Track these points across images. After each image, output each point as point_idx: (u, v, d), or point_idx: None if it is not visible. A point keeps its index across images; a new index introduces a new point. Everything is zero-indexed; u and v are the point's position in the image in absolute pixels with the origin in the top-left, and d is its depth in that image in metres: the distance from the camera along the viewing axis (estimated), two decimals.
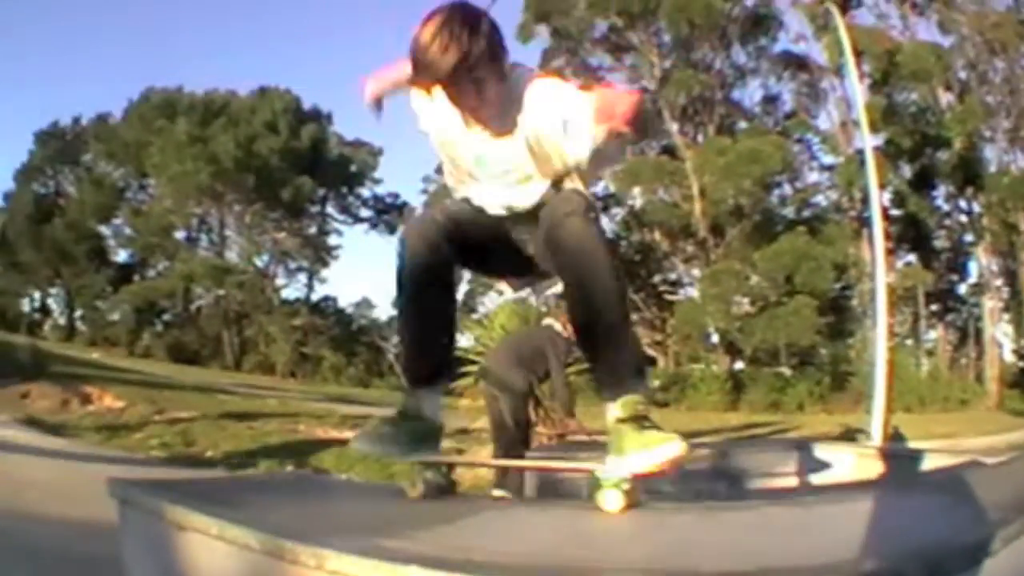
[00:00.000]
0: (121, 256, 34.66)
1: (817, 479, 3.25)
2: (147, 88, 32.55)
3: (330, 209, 32.05)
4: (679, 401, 23.60)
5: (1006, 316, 28.33)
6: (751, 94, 28.01)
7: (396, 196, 32.75)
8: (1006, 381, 25.24)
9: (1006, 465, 2.65)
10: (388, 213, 31.22)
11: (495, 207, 2.15)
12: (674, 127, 25.51)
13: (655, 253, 25.60)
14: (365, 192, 31.81)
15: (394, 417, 2.14)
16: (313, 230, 31.66)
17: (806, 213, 25.66)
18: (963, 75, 26.60)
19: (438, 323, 2.16)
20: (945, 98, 26.20)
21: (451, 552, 1.40)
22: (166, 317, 32.33)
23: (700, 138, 25.61)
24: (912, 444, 8.49)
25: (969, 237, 26.11)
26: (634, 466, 1.82)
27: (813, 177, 26.82)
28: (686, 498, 2.22)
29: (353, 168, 30.63)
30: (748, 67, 26.01)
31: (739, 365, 25.15)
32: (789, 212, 25.56)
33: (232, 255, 32.35)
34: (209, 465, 6.66)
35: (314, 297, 33.54)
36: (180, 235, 32.84)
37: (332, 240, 32.84)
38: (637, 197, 25.67)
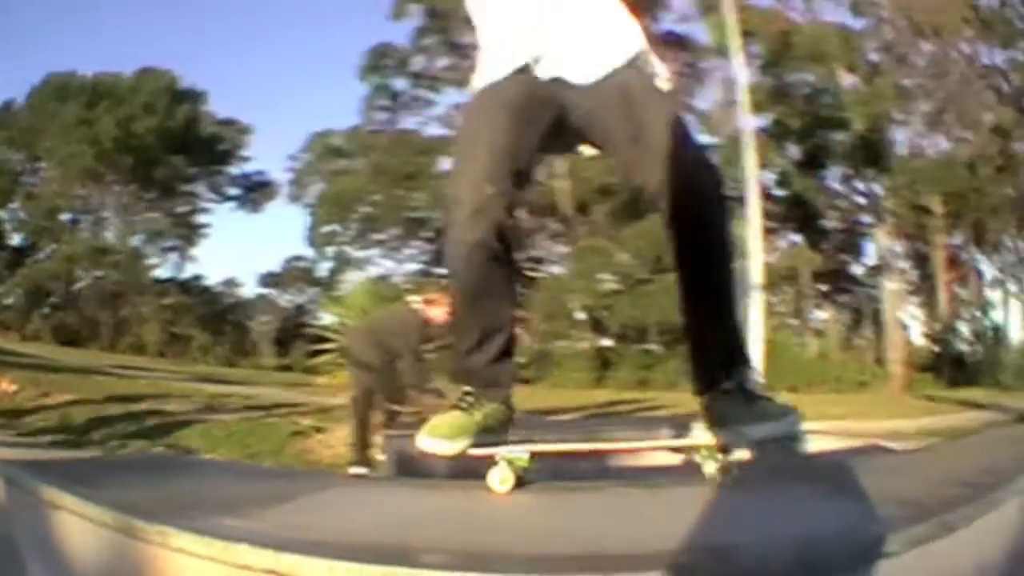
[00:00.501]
0: (15, 240, 34.32)
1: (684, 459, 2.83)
2: (48, 73, 32.48)
3: (200, 188, 31.86)
4: (543, 378, 23.44)
5: (914, 299, 28.46)
6: None
7: (262, 174, 32.71)
8: (916, 364, 25.47)
9: (921, 452, 2.48)
10: (255, 191, 31.11)
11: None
12: None
13: (517, 231, 25.12)
14: (234, 170, 31.73)
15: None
16: (184, 209, 31.43)
17: None
18: (875, 57, 26.96)
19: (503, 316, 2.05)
20: (847, 80, 26.01)
21: (286, 530, 1.45)
22: (53, 299, 31.95)
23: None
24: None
25: (867, 218, 25.71)
26: (755, 434, 1.88)
27: None
28: (543, 477, 2.13)
29: (223, 147, 30.53)
30: None
31: (607, 343, 24.98)
32: None
33: (110, 236, 31.92)
34: (88, 446, 7.04)
35: (184, 276, 33.26)
36: (66, 217, 32.39)
37: (201, 219, 32.72)
38: None
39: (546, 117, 2.00)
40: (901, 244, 25.84)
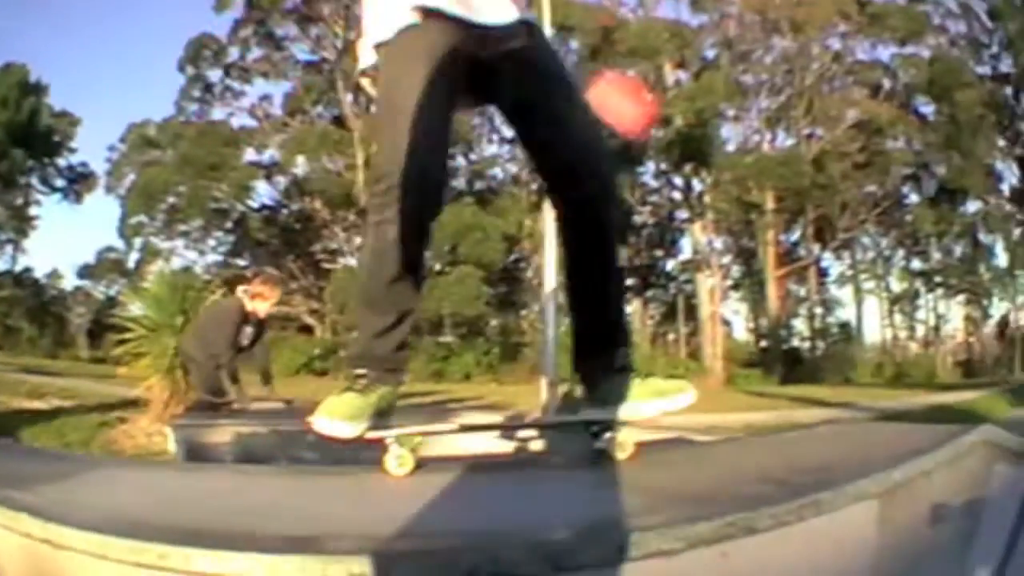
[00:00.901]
0: None
1: (474, 449, 2.94)
2: None
3: (34, 180, 32.32)
4: (337, 369, 22.64)
5: (735, 294, 27.50)
6: None
7: (85, 165, 32.95)
8: (738, 360, 25.43)
9: (727, 445, 2.46)
10: (77, 183, 31.37)
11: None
12: (348, 97, 24.99)
13: (314, 222, 24.71)
14: (62, 162, 32.12)
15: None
16: (20, 201, 31.92)
17: (480, 185, 24.55)
18: (712, 53, 26.85)
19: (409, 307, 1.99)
20: (675, 76, 25.70)
21: (63, 505, 1.52)
22: None
23: (374, 108, 24.84)
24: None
25: (683, 214, 24.75)
26: (649, 411, 1.89)
27: (493, 150, 25.65)
28: (327, 463, 2.28)
29: (56, 139, 31.04)
30: None
31: None
32: (460, 184, 24.56)
33: None
34: None
35: (17, 268, 33.32)
36: None
37: (33, 211, 33.10)
38: (301, 165, 24.67)
39: (462, 68, 1.90)
40: (723, 240, 24.27)
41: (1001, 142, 31.19)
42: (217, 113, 26.54)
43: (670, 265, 28.04)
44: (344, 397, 1.87)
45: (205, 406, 5.98)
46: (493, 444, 2.64)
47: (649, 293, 27.08)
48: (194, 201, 24.88)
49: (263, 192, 25.99)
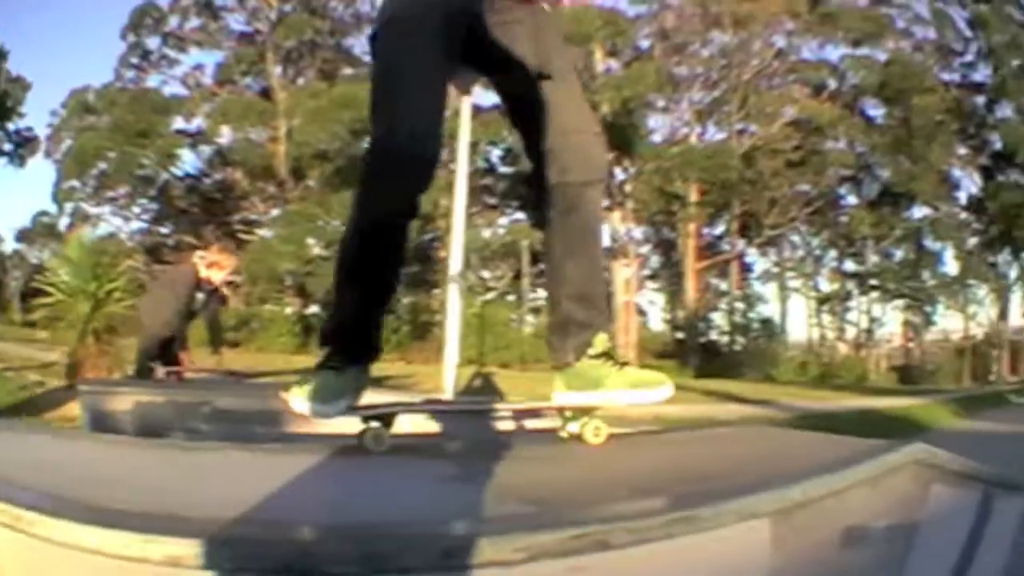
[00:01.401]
0: None
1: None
2: None
3: None
4: (249, 341, 23.23)
5: (652, 285, 27.12)
6: (363, 42, 26.85)
7: (30, 129, 33.27)
8: (652, 350, 25.66)
9: (610, 440, 2.23)
10: (23, 147, 31.78)
11: None
12: (277, 69, 25.13)
13: (234, 192, 24.81)
14: (11, 126, 32.56)
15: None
16: None
17: None
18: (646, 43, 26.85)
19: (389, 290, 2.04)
20: (605, 64, 25.59)
21: None
22: None
23: (301, 81, 25.12)
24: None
25: (603, 202, 24.32)
26: (624, 401, 1.88)
27: None
28: (218, 437, 2.33)
29: (9, 104, 31.57)
30: (368, 16, 25.35)
31: (312, 309, 24.80)
32: None
33: None
34: None
35: None
36: None
37: None
38: (225, 136, 24.85)
39: (461, 36, 1.89)
40: (642, 229, 23.88)
41: (962, 150, 30.34)
42: (152, 81, 27.02)
43: None
44: (322, 376, 1.85)
45: (148, 373, 5.97)
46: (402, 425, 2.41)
47: None
48: (121, 167, 25.25)
49: (188, 161, 26.15)
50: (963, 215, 30.12)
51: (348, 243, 1.91)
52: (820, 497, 1.29)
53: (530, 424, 2.42)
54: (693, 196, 24.65)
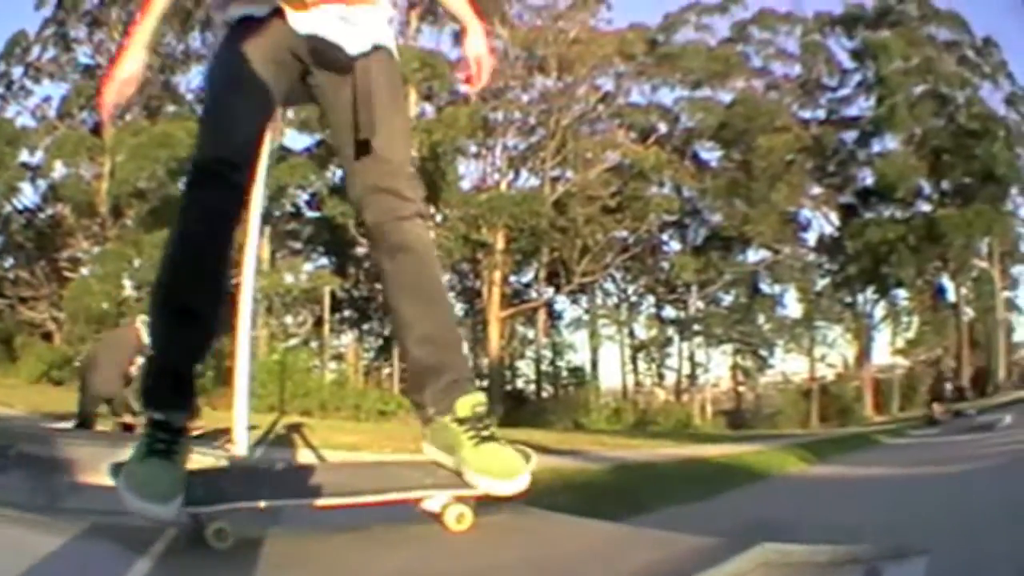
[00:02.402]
0: None
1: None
2: None
3: None
4: (71, 380, 23.09)
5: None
6: (190, 80, 27.70)
7: None
8: None
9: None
10: None
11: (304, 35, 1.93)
12: None
13: (62, 228, 25.47)
14: None
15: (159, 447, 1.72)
16: None
17: None
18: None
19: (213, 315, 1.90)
20: (420, 107, 25.67)
21: None
22: None
23: (129, 118, 25.54)
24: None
25: None
26: (479, 486, 1.79)
27: None
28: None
29: None
30: (197, 53, 25.72)
31: None
32: None
33: None
34: None
35: None
36: None
37: None
38: (58, 170, 25.61)
39: (294, 73, 1.96)
40: (447, 277, 23.82)
41: (816, 190, 29.69)
42: (10, 112, 27.70)
43: None
44: (148, 464, 1.66)
45: (89, 425, 6.26)
46: None
47: (365, 327, 26.78)
48: None
49: (28, 195, 27.01)
50: (810, 256, 29.44)
51: (168, 259, 1.84)
52: None
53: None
54: (500, 243, 25.08)
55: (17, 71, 27.99)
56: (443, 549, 1.66)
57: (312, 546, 1.74)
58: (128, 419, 5.93)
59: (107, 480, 2.18)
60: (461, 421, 1.82)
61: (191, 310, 1.77)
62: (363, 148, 1.91)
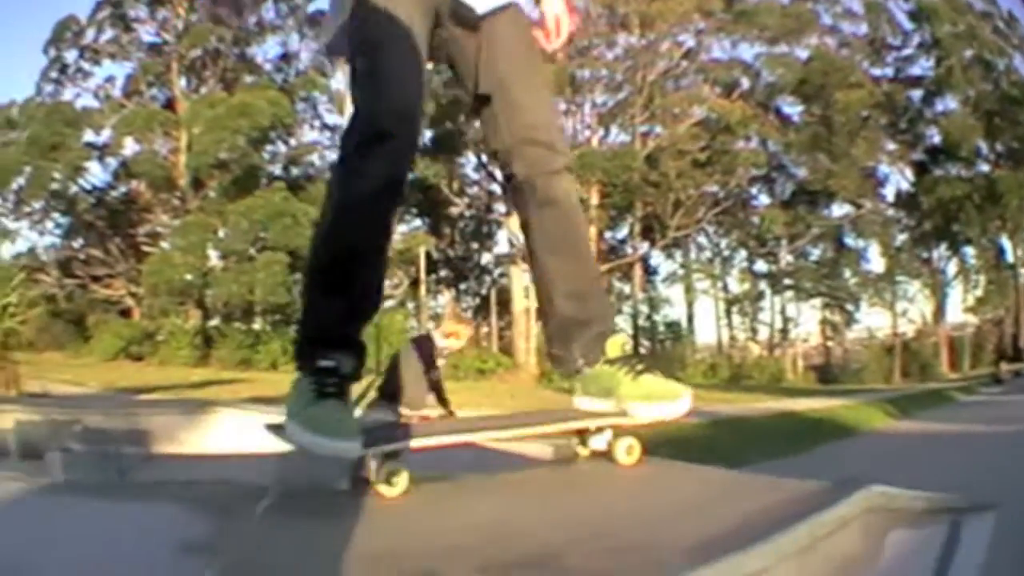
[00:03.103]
0: None
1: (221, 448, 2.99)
2: None
3: None
4: (152, 355, 22.89)
5: None
6: (267, 50, 26.92)
7: None
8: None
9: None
10: None
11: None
12: (181, 80, 24.83)
13: (137, 204, 24.54)
14: None
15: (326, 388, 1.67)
16: None
17: (297, 171, 24.02)
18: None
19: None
20: None
21: None
22: None
23: (204, 91, 24.79)
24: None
25: (502, 207, 23.99)
26: (645, 415, 1.77)
27: (313, 136, 25.26)
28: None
29: None
30: (272, 24, 25.06)
31: (213, 321, 24.74)
32: (277, 169, 24.08)
33: None
34: None
35: None
36: None
37: None
38: (129, 147, 24.75)
39: (432, 28, 1.87)
40: None
41: (891, 146, 29.22)
42: (69, 94, 27.08)
43: (486, 258, 27.01)
44: (324, 405, 1.61)
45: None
46: None
47: (463, 286, 26.14)
48: (36, 182, 25.30)
49: (96, 174, 26.38)
50: (890, 211, 28.96)
51: (326, 228, 1.78)
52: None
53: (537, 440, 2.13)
54: (594, 199, 24.31)
55: (71, 55, 27.31)
56: (590, 494, 1.64)
57: (469, 494, 1.71)
58: (426, 412, 5.84)
59: (178, 449, 2.80)
60: (612, 361, 1.82)
61: (357, 282, 1.74)
62: (484, 101, 1.89)
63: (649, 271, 29.38)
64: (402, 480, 1.53)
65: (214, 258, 23.92)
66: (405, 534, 1.36)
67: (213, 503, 1.51)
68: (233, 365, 21.39)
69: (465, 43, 1.88)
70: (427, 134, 24.12)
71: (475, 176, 25.91)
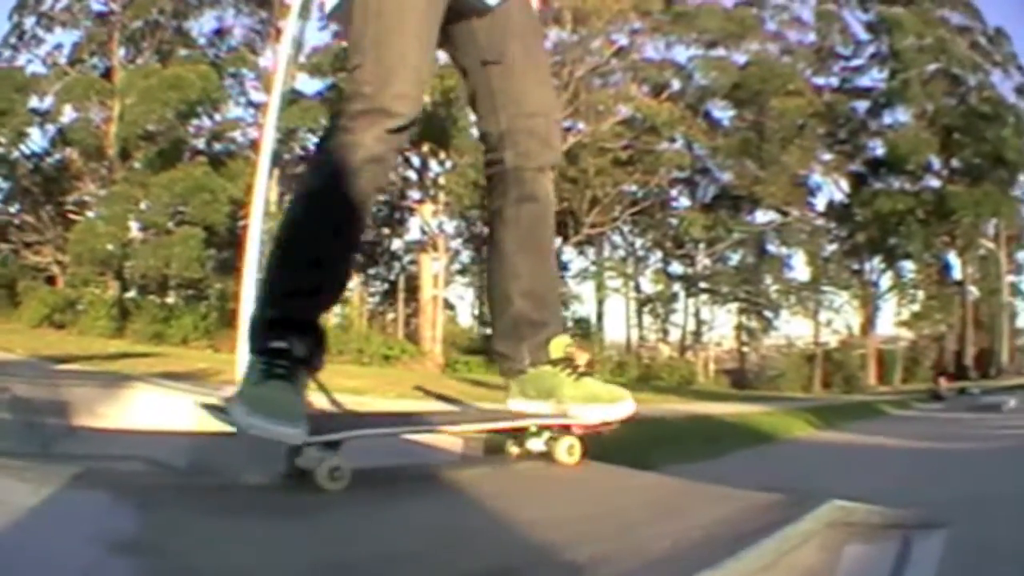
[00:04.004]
0: None
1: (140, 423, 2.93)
2: None
3: None
4: (73, 324, 22.69)
5: (462, 279, 26.38)
6: (203, 24, 27.32)
7: None
8: (460, 346, 25.17)
9: None
10: None
11: None
12: (121, 50, 24.76)
13: (69, 172, 24.57)
14: None
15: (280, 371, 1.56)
16: None
17: (219, 146, 23.89)
18: None
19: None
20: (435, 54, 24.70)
21: None
22: None
23: (140, 62, 24.73)
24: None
25: (416, 194, 23.70)
26: (588, 417, 1.73)
27: (238, 112, 25.04)
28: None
29: None
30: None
31: (132, 293, 24.73)
32: (201, 144, 23.97)
33: None
34: None
35: None
36: None
37: None
38: (67, 114, 24.76)
39: (442, 10, 1.78)
40: (455, 223, 22.98)
41: (827, 156, 28.69)
42: (22, 60, 26.87)
43: (396, 244, 26.60)
44: (270, 386, 1.49)
45: None
46: None
47: (372, 271, 25.90)
48: None
49: (37, 140, 26.37)
50: (819, 221, 28.38)
51: (306, 197, 1.69)
52: None
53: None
54: None
55: (30, 21, 27.52)
56: (525, 497, 1.54)
57: (412, 491, 1.56)
58: None
59: (100, 423, 2.64)
60: (555, 362, 1.78)
61: (330, 261, 1.66)
62: (481, 79, 1.82)
63: (561, 266, 28.20)
64: (344, 475, 1.41)
65: (135, 230, 23.82)
66: (353, 537, 1.25)
67: (138, 486, 1.44)
68: (147, 338, 21.19)
69: (472, 22, 1.81)
70: None
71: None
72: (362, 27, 1.67)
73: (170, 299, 24.60)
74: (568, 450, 1.67)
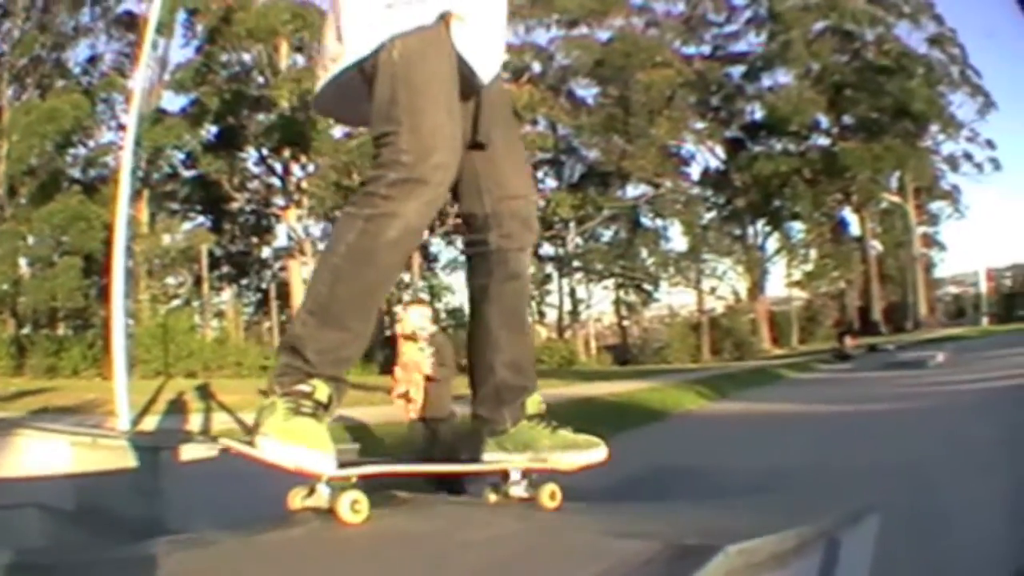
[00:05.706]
0: None
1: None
2: None
3: None
4: None
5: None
6: (78, 54, 27.10)
7: None
8: None
9: None
10: None
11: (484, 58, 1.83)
12: (9, 91, 24.56)
13: None
14: None
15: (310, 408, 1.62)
16: None
17: (93, 173, 23.77)
18: None
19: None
20: (292, 59, 24.41)
21: None
22: None
23: (25, 98, 24.51)
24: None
25: (280, 200, 23.31)
26: (567, 463, 1.80)
27: (110, 137, 24.88)
28: None
29: None
30: (85, 27, 24.61)
31: (26, 330, 24.23)
32: (77, 172, 23.82)
33: None
34: None
35: None
36: None
37: None
38: None
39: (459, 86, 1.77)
40: (321, 226, 22.73)
41: (700, 124, 27.96)
42: None
43: (265, 252, 26.79)
44: (299, 422, 1.55)
45: None
46: None
47: (244, 281, 25.54)
48: None
49: None
50: (695, 190, 27.68)
51: (335, 267, 1.65)
52: None
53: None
54: None
55: None
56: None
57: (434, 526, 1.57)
58: None
59: None
60: (531, 418, 1.83)
61: (359, 321, 1.65)
62: (475, 155, 1.77)
63: (429, 258, 28.50)
64: (363, 508, 1.45)
65: (23, 266, 23.81)
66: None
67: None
68: (42, 372, 20.97)
69: (464, 105, 1.74)
70: (211, 129, 23.62)
71: (256, 171, 24.99)
72: (390, 95, 1.63)
73: (60, 331, 24.06)
74: (550, 495, 1.74)
